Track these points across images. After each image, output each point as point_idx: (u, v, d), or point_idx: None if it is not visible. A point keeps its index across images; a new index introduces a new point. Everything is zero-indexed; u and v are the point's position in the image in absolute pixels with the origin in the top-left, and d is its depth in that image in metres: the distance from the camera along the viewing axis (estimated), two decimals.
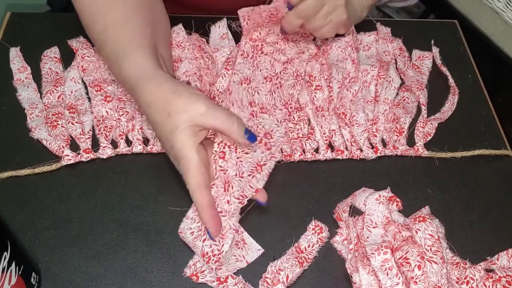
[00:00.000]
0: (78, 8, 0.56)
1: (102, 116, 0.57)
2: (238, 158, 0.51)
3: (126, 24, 0.52)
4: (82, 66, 0.61)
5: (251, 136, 0.49)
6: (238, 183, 0.50)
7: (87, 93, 0.60)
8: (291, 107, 0.58)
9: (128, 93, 0.56)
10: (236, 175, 0.50)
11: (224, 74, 0.60)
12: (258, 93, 0.59)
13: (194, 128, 0.47)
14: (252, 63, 0.62)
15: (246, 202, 0.50)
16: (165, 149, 0.51)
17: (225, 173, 0.50)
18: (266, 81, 0.60)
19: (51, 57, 0.63)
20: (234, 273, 0.48)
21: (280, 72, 0.62)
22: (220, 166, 0.50)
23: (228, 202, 0.49)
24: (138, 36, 0.52)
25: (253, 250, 0.50)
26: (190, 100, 0.47)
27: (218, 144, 0.51)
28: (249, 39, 0.64)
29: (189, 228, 0.49)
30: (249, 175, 0.51)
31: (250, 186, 0.51)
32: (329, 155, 0.58)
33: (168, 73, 0.51)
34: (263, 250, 0.50)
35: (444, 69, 0.67)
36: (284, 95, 0.59)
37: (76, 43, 0.63)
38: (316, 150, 0.58)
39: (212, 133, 0.53)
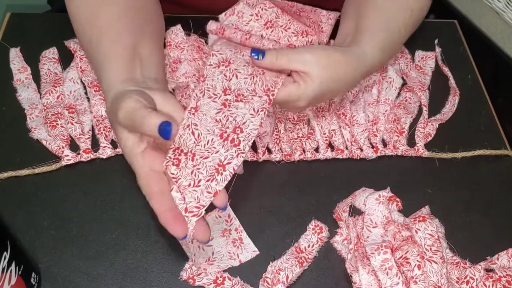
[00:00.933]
0: (70, 17, 0.57)
1: (102, 116, 0.57)
2: (195, 166, 0.46)
3: (105, 35, 0.53)
4: (80, 67, 0.61)
5: (164, 131, 0.44)
6: (191, 194, 0.46)
7: (86, 93, 0.60)
8: (273, 95, 0.51)
9: None
10: (190, 185, 0.46)
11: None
12: (236, 76, 0.52)
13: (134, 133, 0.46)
14: (235, 46, 0.56)
15: (203, 213, 0.45)
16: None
17: (177, 182, 0.46)
18: (248, 65, 0.53)
19: (49, 57, 0.63)
20: (232, 274, 0.48)
21: None
22: (172, 174, 0.46)
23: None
24: (113, 48, 0.53)
25: (249, 250, 0.50)
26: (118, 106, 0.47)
27: (174, 150, 0.47)
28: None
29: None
30: (207, 181, 0.46)
31: (208, 192, 0.45)
32: (329, 154, 0.58)
33: (142, 75, 0.51)
34: (258, 252, 0.50)
35: (446, 69, 0.67)
36: (267, 81, 0.52)
37: (73, 44, 0.63)
38: (316, 150, 0.58)
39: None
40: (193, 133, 0.47)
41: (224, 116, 0.49)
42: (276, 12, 0.60)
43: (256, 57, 0.52)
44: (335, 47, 0.54)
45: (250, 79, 0.52)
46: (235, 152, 0.47)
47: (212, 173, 0.46)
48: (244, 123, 0.49)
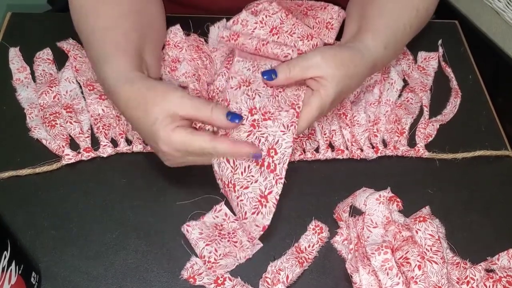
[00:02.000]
0: (70, 8, 0.57)
1: (99, 114, 0.57)
2: (238, 197, 0.47)
3: (113, 29, 0.53)
4: (75, 67, 0.61)
5: (234, 116, 0.47)
6: (241, 230, 0.48)
7: (82, 93, 0.60)
8: (299, 107, 0.51)
9: (107, 96, 0.56)
10: (240, 218, 0.47)
11: (224, 73, 0.59)
12: (259, 95, 0.52)
13: (173, 118, 0.47)
14: (252, 63, 0.56)
15: (256, 241, 0.49)
16: (150, 147, 0.51)
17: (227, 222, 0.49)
18: (267, 86, 0.53)
19: (43, 58, 0.63)
20: (232, 275, 0.48)
21: None
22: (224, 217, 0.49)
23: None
24: (123, 41, 0.52)
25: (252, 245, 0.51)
26: (164, 92, 0.47)
27: (219, 180, 0.49)
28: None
29: (200, 227, 0.49)
30: (252, 213, 0.47)
31: (257, 226, 0.47)
32: (329, 154, 0.58)
33: (149, 77, 0.51)
34: (261, 245, 0.50)
35: (449, 70, 0.67)
36: (289, 96, 0.52)
37: (66, 45, 0.63)
38: (317, 150, 0.58)
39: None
40: (228, 160, 0.48)
41: (256, 138, 0.49)
42: (281, 17, 0.60)
43: (269, 78, 0.51)
44: (340, 45, 0.54)
45: (273, 98, 0.52)
46: (273, 178, 0.47)
47: (256, 206, 0.46)
48: (277, 142, 0.48)
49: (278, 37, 0.59)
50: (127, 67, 0.50)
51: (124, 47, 0.52)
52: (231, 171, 0.47)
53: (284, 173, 0.47)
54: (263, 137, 0.49)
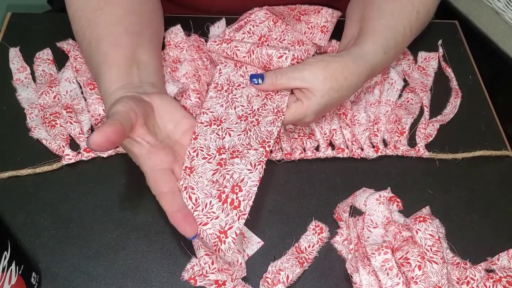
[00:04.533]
0: (70, 20, 0.57)
1: (99, 114, 0.57)
2: (198, 235, 0.45)
3: (106, 38, 0.53)
4: (75, 67, 0.61)
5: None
6: (202, 260, 0.46)
7: (82, 93, 0.60)
8: (269, 146, 0.50)
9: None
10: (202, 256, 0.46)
11: (219, 69, 0.59)
12: (229, 134, 0.51)
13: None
14: (227, 97, 0.54)
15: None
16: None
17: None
18: (241, 120, 0.52)
19: (43, 59, 0.63)
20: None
21: (258, 109, 0.53)
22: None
23: None
24: (111, 51, 0.53)
25: (253, 243, 0.51)
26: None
27: None
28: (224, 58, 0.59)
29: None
30: (212, 253, 0.46)
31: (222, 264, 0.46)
32: (329, 153, 0.58)
33: (140, 79, 0.52)
34: (263, 243, 0.50)
35: (449, 70, 0.67)
36: (262, 132, 0.51)
37: (66, 45, 0.63)
38: (317, 149, 0.58)
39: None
40: (190, 197, 0.47)
41: (221, 176, 0.48)
42: (268, 25, 0.60)
43: (256, 82, 0.53)
44: (333, 55, 0.54)
45: (244, 134, 0.51)
46: (236, 215, 0.45)
47: (215, 243, 0.45)
48: (242, 180, 0.47)
49: (268, 44, 0.59)
50: (112, 83, 0.51)
51: (112, 59, 0.52)
52: (192, 208, 0.46)
53: (248, 209, 0.46)
54: (228, 174, 0.48)
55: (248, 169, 0.48)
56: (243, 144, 0.50)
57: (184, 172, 0.48)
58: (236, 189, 0.47)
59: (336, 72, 0.52)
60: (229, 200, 0.46)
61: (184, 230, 0.44)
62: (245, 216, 0.45)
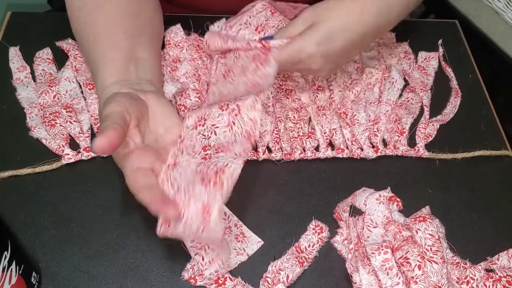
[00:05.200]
0: (69, 19, 0.57)
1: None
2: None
3: (104, 37, 0.54)
4: (75, 66, 0.61)
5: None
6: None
7: (82, 92, 0.60)
8: (254, 140, 0.49)
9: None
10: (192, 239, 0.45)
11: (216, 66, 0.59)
12: (215, 132, 0.50)
13: None
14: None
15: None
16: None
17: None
18: (222, 110, 0.50)
19: (43, 58, 0.63)
20: (233, 275, 0.48)
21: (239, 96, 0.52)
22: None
23: None
24: (111, 49, 0.53)
25: (253, 242, 0.51)
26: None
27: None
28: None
29: None
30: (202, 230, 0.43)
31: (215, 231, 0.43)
32: (329, 153, 0.58)
33: (137, 77, 0.52)
34: (262, 242, 0.51)
35: (449, 70, 0.67)
36: (245, 123, 0.49)
37: (66, 45, 0.63)
38: (316, 149, 0.58)
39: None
40: (172, 185, 0.45)
41: (205, 166, 0.46)
42: (266, 15, 0.59)
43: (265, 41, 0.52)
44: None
45: (229, 130, 0.50)
46: (219, 193, 0.43)
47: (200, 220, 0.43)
48: (226, 165, 0.45)
49: (265, 33, 0.58)
50: (108, 80, 0.51)
51: (110, 57, 0.52)
52: (173, 195, 0.45)
53: (231, 188, 0.44)
54: (212, 164, 0.46)
55: (233, 157, 0.47)
56: (229, 140, 0.49)
57: (166, 168, 0.47)
58: (220, 172, 0.45)
59: (338, 9, 0.52)
60: (211, 182, 0.44)
61: (167, 212, 0.42)
62: (228, 195, 0.44)
